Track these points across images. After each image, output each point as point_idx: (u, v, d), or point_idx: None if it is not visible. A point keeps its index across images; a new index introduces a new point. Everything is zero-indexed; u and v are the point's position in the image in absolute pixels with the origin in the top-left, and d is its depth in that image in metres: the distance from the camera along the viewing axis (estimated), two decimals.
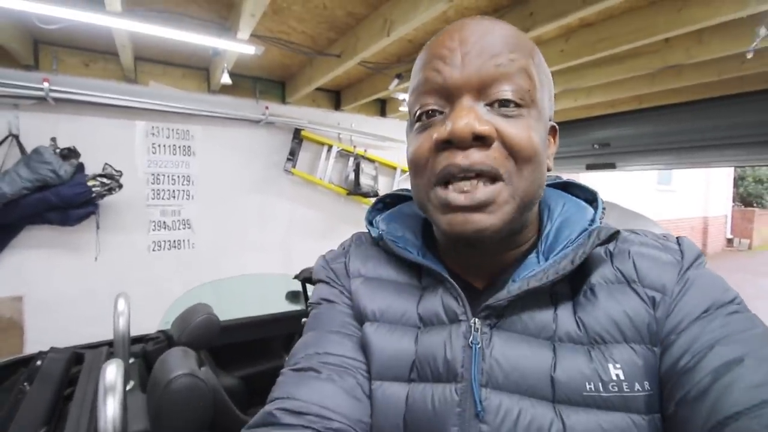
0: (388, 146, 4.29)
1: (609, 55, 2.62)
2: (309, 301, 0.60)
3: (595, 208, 0.52)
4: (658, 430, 0.41)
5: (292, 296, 2.49)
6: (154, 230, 3.22)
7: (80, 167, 2.75)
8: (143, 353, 1.75)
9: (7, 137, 2.65)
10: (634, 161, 4.83)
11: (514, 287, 0.46)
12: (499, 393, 0.44)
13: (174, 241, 3.32)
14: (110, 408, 0.93)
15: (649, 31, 2.23)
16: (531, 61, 0.47)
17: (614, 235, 0.47)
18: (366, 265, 0.58)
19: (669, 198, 11.31)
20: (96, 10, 1.95)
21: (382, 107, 4.50)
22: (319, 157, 3.89)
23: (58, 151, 2.67)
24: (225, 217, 3.53)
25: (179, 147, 3.29)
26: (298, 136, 3.74)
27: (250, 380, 2.16)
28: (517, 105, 0.45)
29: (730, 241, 13.52)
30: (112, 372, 0.96)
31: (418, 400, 0.47)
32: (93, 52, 2.96)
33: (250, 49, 2.39)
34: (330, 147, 3.91)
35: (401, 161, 4.32)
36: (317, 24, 2.51)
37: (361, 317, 0.55)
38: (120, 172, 2.82)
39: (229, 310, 2.18)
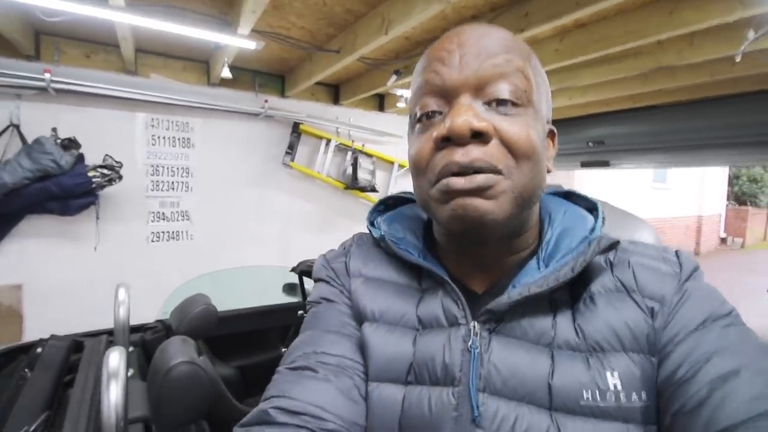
0: (386, 141, 4.30)
1: (602, 56, 2.65)
2: (308, 300, 0.60)
3: (596, 218, 0.52)
4: None
5: (289, 288, 2.52)
6: (153, 221, 3.25)
7: (81, 158, 2.76)
8: (142, 342, 1.77)
9: (8, 127, 2.66)
10: (628, 159, 4.86)
11: (514, 293, 0.46)
12: (497, 399, 0.44)
13: (173, 232, 3.34)
14: (113, 394, 0.93)
15: (641, 33, 2.26)
16: (527, 63, 0.48)
17: (614, 245, 0.47)
18: (367, 265, 0.58)
19: (664, 196, 11.34)
20: (99, 4, 1.97)
21: (381, 102, 4.51)
22: (317, 151, 3.91)
23: (58, 141, 2.68)
24: (223, 209, 3.54)
25: (179, 139, 3.31)
26: (296, 129, 3.75)
27: (247, 370, 2.19)
28: (515, 104, 0.46)
29: (723, 240, 13.61)
30: (116, 359, 0.96)
31: (415, 404, 0.46)
32: (94, 44, 2.98)
33: (250, 45, 2.42)
34: (328, 141, 3.92)
35: (399, 156, 4.34)
36: (317, 20, 2.53)
37: (360, 317, 0.54)
38: (120, 163, 2.84)
39: (226, 301, 2.20)
